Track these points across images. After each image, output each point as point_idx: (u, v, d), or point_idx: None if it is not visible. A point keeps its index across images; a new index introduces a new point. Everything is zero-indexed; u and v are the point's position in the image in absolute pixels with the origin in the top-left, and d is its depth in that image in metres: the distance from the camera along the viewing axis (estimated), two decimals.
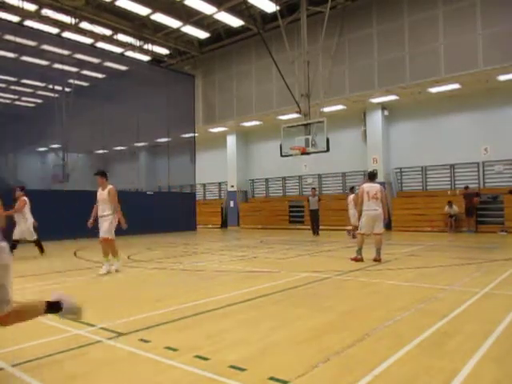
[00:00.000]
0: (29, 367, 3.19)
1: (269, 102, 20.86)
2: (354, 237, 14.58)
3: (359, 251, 8.81)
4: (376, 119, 19.79)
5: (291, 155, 16.77)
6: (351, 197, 15.03)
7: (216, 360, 3.26)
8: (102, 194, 8.18)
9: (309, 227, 18.11)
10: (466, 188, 16.90)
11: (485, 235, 15.44)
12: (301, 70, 17.48)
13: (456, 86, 16.69)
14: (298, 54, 17.73)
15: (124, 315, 4.70)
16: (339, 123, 20.33)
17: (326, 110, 19.01)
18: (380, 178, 19.41)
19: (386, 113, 19.68)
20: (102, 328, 4.19)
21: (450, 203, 16.94)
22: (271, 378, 2.90)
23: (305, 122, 16.55)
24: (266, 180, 24.74)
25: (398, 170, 19.83)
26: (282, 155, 17.03)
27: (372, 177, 9.13)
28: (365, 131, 20.27)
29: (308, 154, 16.34)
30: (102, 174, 8.50)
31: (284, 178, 23.90)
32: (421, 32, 16.37)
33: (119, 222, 8.05)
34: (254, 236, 17.73)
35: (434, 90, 17.23)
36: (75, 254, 11.74)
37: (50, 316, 4.67)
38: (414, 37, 16.55)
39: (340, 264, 8.69)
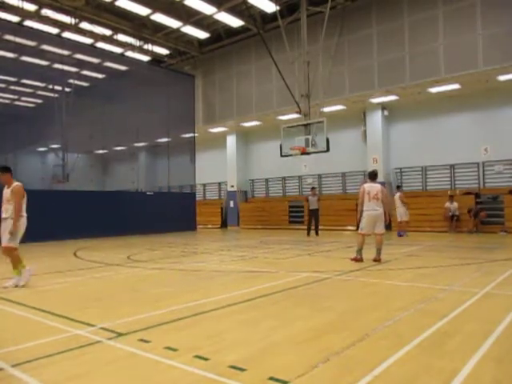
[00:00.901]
0: (29, 367, 3.19)
1: (269, 102, 20.86)
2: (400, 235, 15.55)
3: (359, 251, 8.80)
4: (376, 119, 19.79)
5: (291, 155, 16.77)
6: (398, 195, 15.96)
7: (216, 360, 3.26)
8: (6, 193, 6.94)
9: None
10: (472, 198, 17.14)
11: (485, 235, 15.44)
12: (301, 70, 17.49)
13: (456, 86, 16.69)
14: (297, 54, 17.73)
15: (124, 315, 4.70)
16: (339, 123, 20.33)
17: (326, 110, 19.00)
18: (380, 178, 19.41)
19: (385, 113, 19.68)
20: (101, 328, 4.19)
21: (451, 198, 16.87)
22: (271, 378, 2.90)
23: (305, 122, 16.55)
24: (266, 180, 24.74)
25: (398, 170, 19.83)
26: (281, 155, 17.04)
27: (373, 177, 9.09)
28: (365, 131, 20.27)
29: (308, 154, 16.34)
30: (4, 169, 7.23)
31: (284, 178, 23.90)
32: (421, 32, 16.37)
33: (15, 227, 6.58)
34: (254, 236, 17.74)
35: (433, 90, 17.24)
36: (75, 253, 11.73)
37: (50, 316, 4.68)
38: (413, 37, 16.55)
39: (340, 264, 8.69)
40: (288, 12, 18.27)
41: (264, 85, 21.07)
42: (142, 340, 3.78)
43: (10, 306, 5.28)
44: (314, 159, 19.07)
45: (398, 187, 16.81)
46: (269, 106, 20.87)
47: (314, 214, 17.16)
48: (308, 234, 17.08)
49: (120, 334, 3.97)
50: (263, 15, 19.50)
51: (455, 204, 16.85)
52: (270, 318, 4.54)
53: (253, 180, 25.41)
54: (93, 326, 4.28)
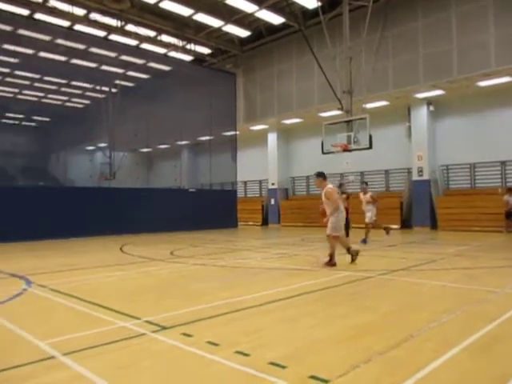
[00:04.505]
0: (78, 356, 3.34)
1: (310, 99, 20.68)
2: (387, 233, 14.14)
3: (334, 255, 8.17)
4: (421, 115, 19.17)
5: (333, 152, 16.55)
6: (369, 194, 13.56)
7: (256, 356, 3.28)
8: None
9: (353, 226, 17.67)
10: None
11: None
12: (342, 66, 17.20)
13: (507, 78, 15.86)
14: (339, 49, 17.45)
15: (167, 309, 4.82)
16: (382, 119, 19.85)
17: (369, 106, 18.59)
18: (425, 175, 18.85)
19: (431, 108, 19.02)
20: (146, 321, 4.31)
21: (510, 191, 15.76)
22: (312, 377, 2.88)
23: (347, 119, 16.28)
24: (307, 177, 24.56)
25: (445, 168, 19.14)
26: (323, 152, 16.83)
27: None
28: (409, 127, 19.70)
29: (350, 151, 16.06)
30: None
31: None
32: (470, 23, 15.68)
33: None
34: (295, 234, 17.67)
35: (483, 83, 16.48)
36: (121, 249, 12.13)
37: (98, 308, 4.88)
38: (462, 29, 15.88)
39: (382, 263, 8.51)
40: (329, 7, 18.00)
41: (305, 82, 20.90)
42: (184, 334, 3.86)
43: (61, 298, 5.54)
44: (356, 156, 18.67)
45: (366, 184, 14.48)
46: (310, 103, 20.69)
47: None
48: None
49: (164, 328, 4.08)
50: (304, 11, 19.33)
51: None
52: (311, 316, 4.52)
53: (294, 177, 25.31)
54: (138, 318, 4.41)
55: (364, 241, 12.73)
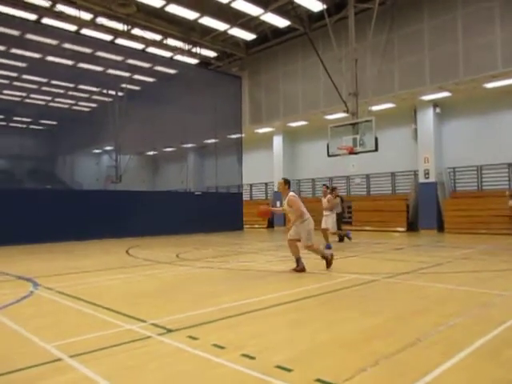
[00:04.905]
0: (85, 358, 3.35)
1: (315, 102, 20.68)
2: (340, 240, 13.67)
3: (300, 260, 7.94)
4: (427, 117, 19.11)
5: (338, 155, 16.52)
6: (326, 199, 12.93)
7: (262, 359, 3.28)
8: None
9: (357, 228, 17.75)
10: None
11: None
12: (348, 69, 17.19)
13: None
14: (345, 52, 17.45)
15: (173, 312, 4.82)
16: (388, 121, 19.82)
17: (375, 108, 18.58)
18: (432, 177, 18.76)
19: (438, 110, 18.95)
20: (152, 324, 4.32)
21: None
22: (318, 380, 2.87)
23: (352, 122, 16.25)
24: (313, 180, 24.53)
25: (452, 170, 19.04)
26: (329, 155, 16.82)
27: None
28: (415, 129, 19.63)
29: (356, 153, 16.03)
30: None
31: (331, 179, 23.61)
32: (476, 25, 15.63)
33: None
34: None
35: (490, 85, 16.40)
36: (127, 251, 12.17)
37: (104, 311, 4.89)
38: (468, 30, 15.83)
39: (388, 266, 8.47)
40: (335, 10, 18.03)
41: (311, 84, 20.91)
42: (190, 337, 3.86)
43: (67, 300, 5.56)
44: (363, 159, 18.65)
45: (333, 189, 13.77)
46: (316, 106, 20.69)
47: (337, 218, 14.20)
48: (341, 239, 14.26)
49: (169, 330, 4.08)
50: (310, 14, 19.36)
51: None
52: (316, 320, 4.50)
53: (299, 180, 25.29)
54: (144, 321, 4.42)
55: (328, 246, 11.80)
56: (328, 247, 11.74)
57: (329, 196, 12.90)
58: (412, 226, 19.25)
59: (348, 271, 7.75)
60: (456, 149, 18.80)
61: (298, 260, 7.86)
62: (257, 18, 19.06)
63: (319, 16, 18.53)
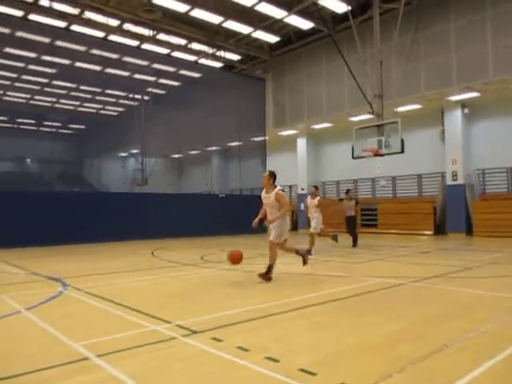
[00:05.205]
0: (111, 358, 3.41)
1: (340, 104, 20.52)
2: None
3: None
4: (455, 118, 18.68)
5: (364, 157, 16.33)
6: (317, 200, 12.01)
7: (286, 362, 3.27)
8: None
9: (383, 231, 17.49)
10: None
11: None
12: (373, 70, 16.99)
13: None
14: (370, 53, 17.26)
15: (197, 314, 4.86)
16: (414, 123, 19.47)
17: (400, 109, 18.29)
18: (460, 179, 18.33)
19: (466, 111, 18.50)
20: (177, 325, 4.37)
21: None
22: None
23: (378, 123, 16.04)
24: (337, 182, 24.33)
25: (481, 172, 18.56)
26: (353, 157, 16.64)
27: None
28: (443, 131, 19.22)
29: (381, 155, 15.82)
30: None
31: (356, 181, 23.36)
32: (505, 24, 15.20)
33: None
34: (324, 239, 17.48)
35: None
36: (152, 253, 12.33)
37: (130, 312, 4.97)
38: (497, 29, 15.42)
39: (415, 270, 8.31)
40: (359, 11, 17.86)
41: (335, 86, 20.77)
42: (214, 339, 3.88)
43: (95, 301, 5.69)
44: (388, 160, 18.37)
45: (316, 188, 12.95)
46: (340, 108, 20.54)
47: (349, 221, 14.21)
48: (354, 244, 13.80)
49: (194, 332, 4.11)
50: (334, 16, 19.24)
51: None
52: (341, 323, 4.46)
53: (324, 182, 25.12)
54: (169, 322, 4.47)
55: (309, 252, 10.94)
56: (308, 253, 10.90)
57: (318, 198, 12.00)
58: (439, 229, 18.84)
59: (373, 275, 7.64)
60: (485, 150, 18.30)
61: (271, 268, 7.14)
62: (280, 20, 19.06)
63: (343, 17, 18.39)
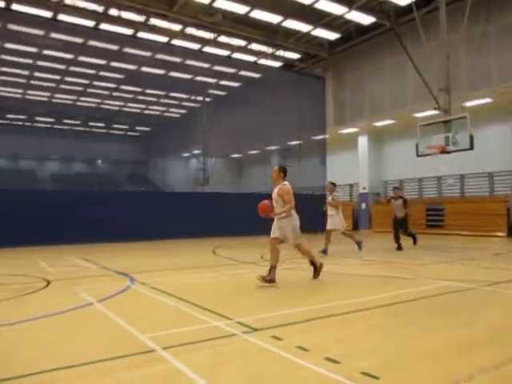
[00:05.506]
0: (176, 351, 3.54)
1: (403, 100, 19.82)
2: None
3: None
4: None
5: (429, 155, 15.65)
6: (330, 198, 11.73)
7: (347, 364, 3.22)
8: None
9: (451, 232, 16.63)
10: None
11: None
12: (439, 63, 16.22)
13: None
14: (435, 46, 16.49)
15: (258, 312, 4.92)
16: (484, 118, 18.32)
17: (469, 104, 17.32)
18: None
19: None
20: (237, 322, 4.44)
21: None
22: None
23: (444, 119, 15.30)
24: (400, 181, 23.51)
25: None
26: (418, 155, 16.00)
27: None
28: None
29: (448, 153, 15.07)
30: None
31: (420, 180, 22.44)
32: None
33: None
34: (387, 240, 16.95)
35: None
36: (213, 251, 12.62)
37: (192, 307, 5.13)
38: None
39: (486, 273, 7.84)
40: (424, 2, 17.12)
41: (398, 82, 20.09)
42: (274, 337, 3.90)
43: (160, 295, 5.93)
44: (455, 158, 17.45)
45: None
46: (403, 104, 19.84)
47: (398, 224, 12.98)
48: (397, 247, 12.60)
49: (254, 329, 4.16)
50: (396, 9, 18.60)
51: None
52: (405, 326, 4.31)
53: (386, 181, 24.38)
54: (230, 319, 4.56)
55: (324, 251, 10.98)
56: (324, 252, 10.92)
57: (334, 194, 11.58)
58: None
59: (440, 278, 7.30)
60: None
61: (273, 269, 6.73)
62: (341, 16, 18.74)
63: (406, 10, 17.73)
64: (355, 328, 4.28)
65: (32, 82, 26.39)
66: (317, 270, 7.09)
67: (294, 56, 23.60)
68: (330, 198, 11.53)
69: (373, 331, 4.17)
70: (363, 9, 17.98)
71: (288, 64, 24.45)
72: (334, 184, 11.75)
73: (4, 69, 23.96)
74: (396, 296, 5.77)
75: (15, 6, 16.49)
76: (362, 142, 24.71)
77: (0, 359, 3.49)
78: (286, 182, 7.00)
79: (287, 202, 6.84)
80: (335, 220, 11.36)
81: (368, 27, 20.03)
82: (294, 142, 25.21)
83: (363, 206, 24.36)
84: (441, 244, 14.75)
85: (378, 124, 22.64)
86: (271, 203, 6.94)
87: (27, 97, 29.37)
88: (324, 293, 6.18)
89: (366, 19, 18.87)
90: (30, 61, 22.73)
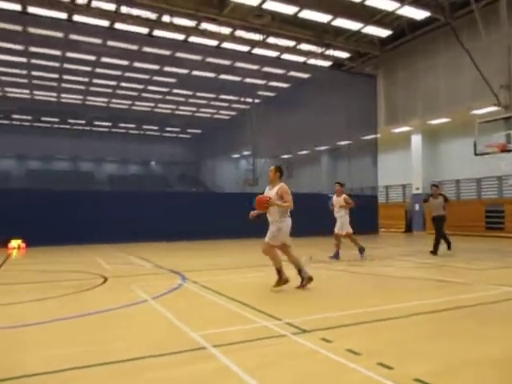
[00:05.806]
0: (226, 349, 3.60)
1: (460, 97, 18.98)
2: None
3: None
4: None
5: (488, 153, 14.90)
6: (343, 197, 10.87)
7: (400, 370, 3.13)
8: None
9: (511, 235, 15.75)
10: None
11: None
12: (499, 58, 15.40)
13: None
14: (495, 40, 15.67)
15: (306, 313, 4.89)
16: None
17: None
18: None
19: None
20: (287, 323, 4.44)
21: None
22: None
23: (505, 116, 14.51)
24: (457, 181, 22.52)
25: None
26: (476, 154, 15.27)
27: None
28: None
29: (509, 151, 14.27)
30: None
31: (479, 180, 21.38)
32: None
33: None
34: (441, 243, 16.31)
35: None
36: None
37: (241, 306, 5.18)
38: None
39: None
40: None
41: (454, 78, 19.27)
42: (323, 339, 3.87)
43: (210, 294, 6.05)
44: None
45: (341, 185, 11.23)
46: (460, 101, 19.00)
47: (437, 223, 11.73)
48: (433, 251, 11.52)
49: (304, 331, 4.14)
50: (452, 2, 17.86)
51: None
52: (463, 333, 4.13)
53: (440, 181, 23.43)
54: (279, 319, 4.56)
55: (336, 256, 10.39)
56: (335, 257, 10.31)
57: (344, 195, 10.85)
58: None
59: (502, 283, 6.92)
60: None
61: (280, 270, 6.55)
62: (392, 12, 18.26)
63: (462, 3, 16.99)
64: (410, 333, 4.15)
65: (91, 88, 27.78)
66: (302, 283, 6.56)
67: (344, 55, 23.26)
68: (341, 199, 10.80)
69: (429, 337, 4.02)
70: (416, 4, 17.43)
71: (337, 63, 24.14)
72: (341, 185, 11.19)
73: (66, 76, 25.41)
74: (454, 301, 5.53)
75: (76, 17, 17.48)
76: (416, 140, 23.90)
77: (49, 352, 3.70)
78: (282, 183, 6.85)
79: (288, 202, 6.72)
80: (344, 223, 10.72)
81: (421, 22, 19.39)
82: (343, 142, 24.85)
83: (417, 207, 23.56)
84: (501, 247, 13.98)
85: (433, 122, 21.84)
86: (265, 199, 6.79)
87: (86, 102, 30.95)
88: (376, 296, 6.03)
89: (419, 14, 18.27)
90: (88, 68, 23.95)
